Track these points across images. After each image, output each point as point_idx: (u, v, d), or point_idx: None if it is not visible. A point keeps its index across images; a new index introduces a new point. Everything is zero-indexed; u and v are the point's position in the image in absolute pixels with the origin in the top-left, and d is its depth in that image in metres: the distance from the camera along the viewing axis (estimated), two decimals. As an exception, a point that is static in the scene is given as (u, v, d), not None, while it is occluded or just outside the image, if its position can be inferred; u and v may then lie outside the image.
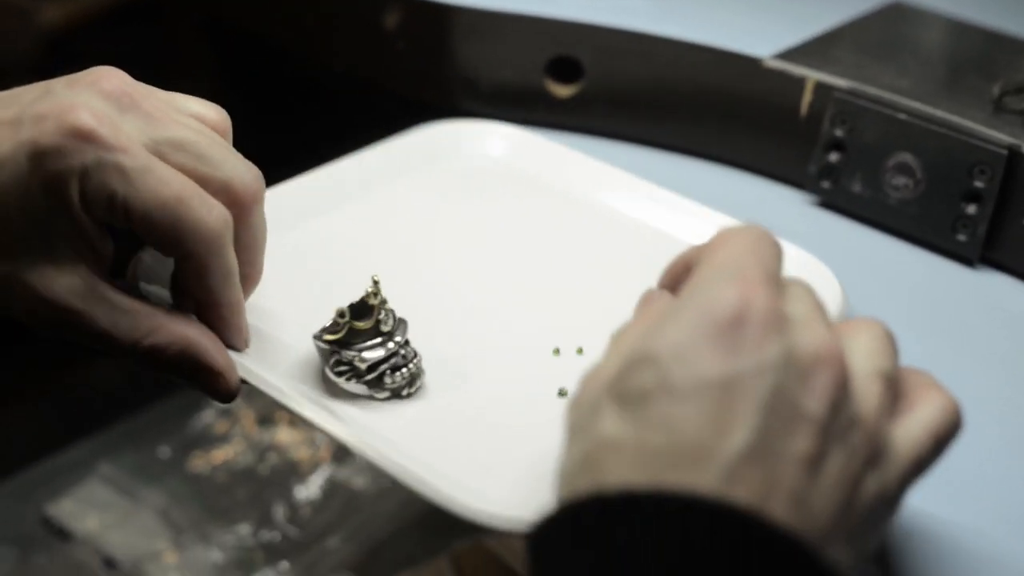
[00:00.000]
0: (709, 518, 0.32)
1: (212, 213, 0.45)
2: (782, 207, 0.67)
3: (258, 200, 0.48)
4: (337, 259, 0.57)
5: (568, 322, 0.54)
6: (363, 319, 0.48)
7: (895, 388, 0.38)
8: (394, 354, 0.48)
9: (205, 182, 0.46)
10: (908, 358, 0.55)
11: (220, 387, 0.47)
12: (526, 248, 0.59)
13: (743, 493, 0.33)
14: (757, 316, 0.35)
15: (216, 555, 0.77)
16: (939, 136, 0.61)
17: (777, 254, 0.39)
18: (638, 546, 0.32)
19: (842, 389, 0.35)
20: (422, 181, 0.63)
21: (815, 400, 0.34)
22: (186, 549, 0.77)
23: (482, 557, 0.74)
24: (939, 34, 0.74)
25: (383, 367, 0.47)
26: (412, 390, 0.48)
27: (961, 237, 0.62)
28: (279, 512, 0.80)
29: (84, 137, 0.43)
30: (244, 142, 0.50)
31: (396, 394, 0.48)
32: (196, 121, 0.47)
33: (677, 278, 0.41)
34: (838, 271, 0.61)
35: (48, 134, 0.43)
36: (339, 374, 0.47)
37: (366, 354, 0.47)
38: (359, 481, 0.82)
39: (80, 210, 0.44)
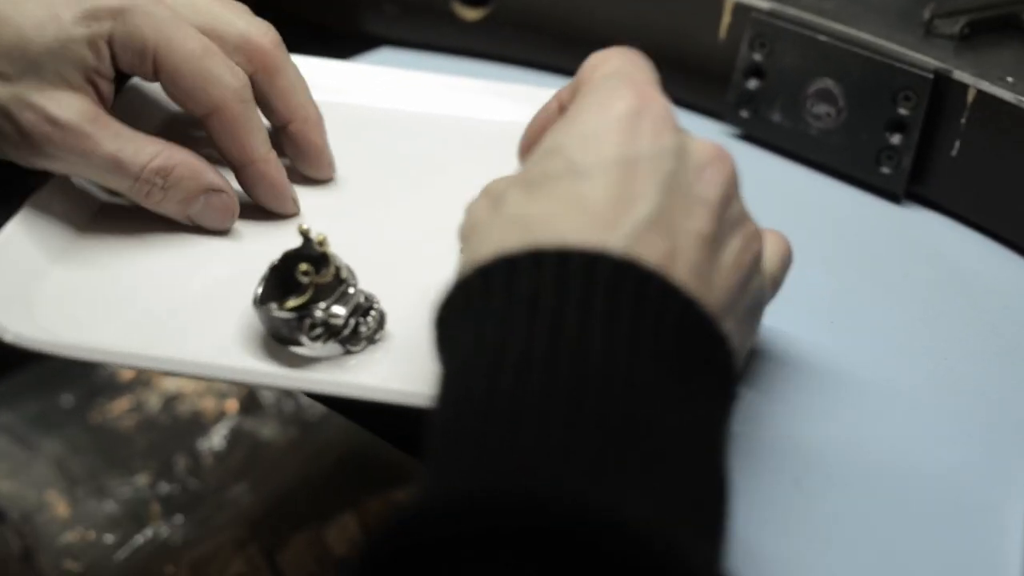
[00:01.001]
0: (614, 270, 0.33)
1: (233, 71, 0.48)
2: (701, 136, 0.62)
3: (279, 47, 0.50)
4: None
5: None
6: (320, 272, 0.43)
7: None
8: (360, 299, 0.43)
9: (223, 39, 0.49)
10: (828, 296, 0.52)
11: (227, 204, 0.49)
12: (396, 176, 0.55)
13: (649, 255, 0.34)
14: (655, 111, 0.37)
15: (111, 507, 0.73)
16: (862, 60, 0.57)
17: (654, 71, 0.40)
18: (542, 295, 0.32)
19: (732, 186, 0.38)
20: None
21: (709, 187, 0.36)
22: (80, 501, 0.74)
23: (390, 512, 0.70)
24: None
25: (356, 317, 0.43)
26: (383, 331, 0.44)
27: (885, 170, 0.58)
28: (180, 463, 0.77)
29: None
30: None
31: (371, 340, 0.44)
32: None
33: (551, 117, 0.42)
34: (757, 207, 0.58)
35: None
36: (315, 338, 0.42)
37: (336, 308, 0.43)
38: (266, 432, 0.78)
39: (106, 48, 0.46)
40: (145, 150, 0.47)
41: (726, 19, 0.61)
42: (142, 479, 0.75)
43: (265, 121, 0.51)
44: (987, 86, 0.54)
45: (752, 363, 0.47)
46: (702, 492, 0.32)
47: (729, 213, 0.37)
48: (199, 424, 0.79)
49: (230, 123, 0.48)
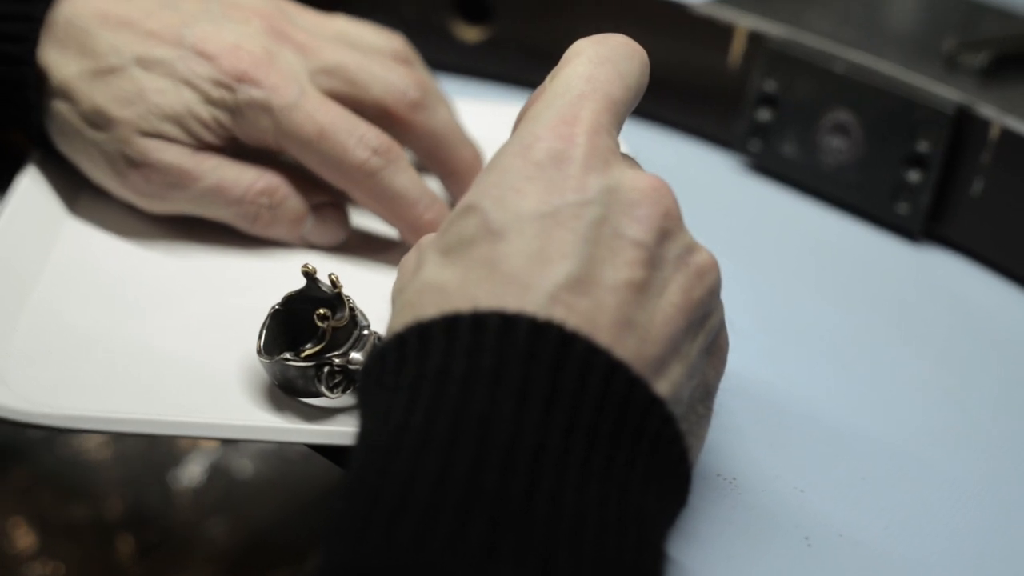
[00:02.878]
0: (529, 335, 0.31)
1: (360, 144, 0.46)
2: (708, 169, 0.60)
3: (419, 107, 0.48)
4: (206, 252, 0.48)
5: None
6: (335, 315, 0.39)
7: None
8: (375, 341, 0.40)
9: (360, 104, 0.48)
10: (840, 339, 0.49)
11: (339, 217, 0.49)
12: None
13: (570, 317, 0.31)
14: (580, 152, 0.34)
15: (79, 540, 0.70)
16: (880, 92, 0.54)
17: (633, 70, 0.37)
18: (452, 367, 0.31)
19: (669, 219, 0.34)
20: None
21: (641, 227, 0.33)
22: (47, 532, 0.70)
23: None
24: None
25: None
26: None
27: (902, 207, 0.55)
28: (153, 496, 0.73)
29: (240, 79, 0.46)
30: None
31: None
32: (346, 42, 0.49)
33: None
34: (767, 244, 0.55)
35: (207, 76, 0.46)
36: (334, 388, 0.39)
37: (354, 355, 0.39)
38: (244, 467, 0.75)
39: (221, 130, 0.46)
40: (247, 173, 0.47)
41: (738, 46, 0.58)
42: (113, 512, 0.72)
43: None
44: (1012, 122, 0.52)
45: (757, 406, 0.44)
46: None
47: (666, 250, 0.34)
48: (174, 456, 0.75)
49: (364, 197, 0.47)
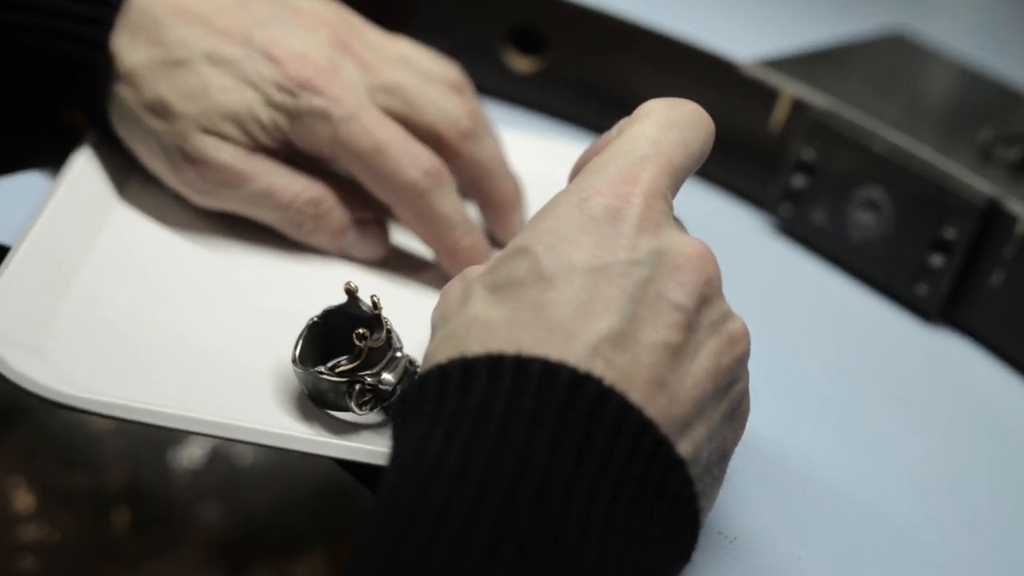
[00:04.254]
0: (570, 386, 0.32)
1: (413, 163, 0.47)
2: (738, 227, 0.61)
3: (469, 137, 0.50)
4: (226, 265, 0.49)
5: None
6: (373, 335, 0.40)
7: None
8: (407, 364, 0.41)
9: (414, 126, 0.49)
10: (847, 410, 0.50)
11: (379, 234, 0.50)
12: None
13: (608, 371, 0.33)
14: (635, 212, 0.35)
15: (74, 506, 0.71)
16: (913, 175, 0.55)
17: (699, 139, 0.38)
18: (493, 406, 0.32)
19: (710, 286, 0.36)
20: None
21: (683, 292, 0.35)
22: (44, 496, 0.71)
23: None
24: (937, 72, 0.69)
25: (403, 383, 0.41)
26: None
27: (922, 288, 0.56)
28: (152, 473, 0.74)
29: (304, 85, 0.47)
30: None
31: None
32: (406, 64, 0.51)
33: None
34: (787, 306, 0.56)
35: (271, 79, 0.47)
36: (362, 405, 0.40)
37: (386, 375, 0.40)
38: (244, 456, 0.76)
39: (280, 134, 0.47)
40: (297, 182, 0.48)
41: (781, 111, 0.60)
42: (112, 484, 0.73)
43: None
44: (1039, 221, 0.53)
45: (763, 470, 0.45)
46: None
47: (705, 316, 0.35)
48: (176, 436, 0.76)
49: (408, 214, 0.48)
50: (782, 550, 0.42)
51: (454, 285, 0.38)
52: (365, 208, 0.50)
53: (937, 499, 0.47)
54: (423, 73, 0.51)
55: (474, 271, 0.37)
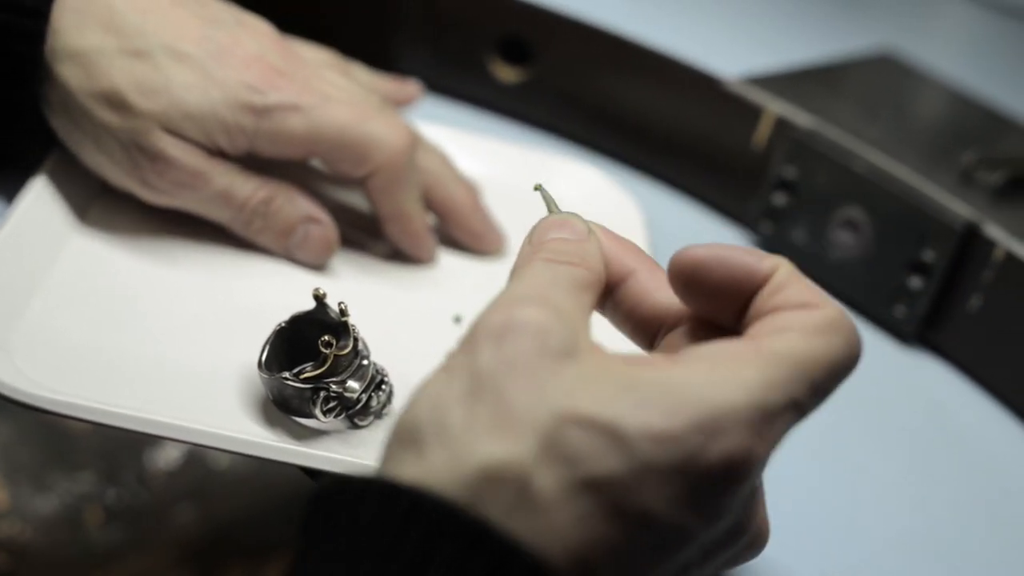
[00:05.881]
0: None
1: (397, 130, 0.48)
2: (717, 241, 0.61)
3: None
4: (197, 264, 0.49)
5: (456, 289, 0.51)
6: (339, 343, 0.40)
7: None
8: (373, 372, 0.41)
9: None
10: (817, 430, 0.50)
11: (326, 236, 0.49)
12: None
13: None
14: (739, 482, 0.30)
15: (51, 504, 0.71)
16: (893, 197, 0.55)
17: (833, 385, 0.33)
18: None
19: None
20: None
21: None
22: (20, 492, 0.71)
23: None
24: (923, 94, 0.69)
25: (369, 391, 0.41)
26: (390, 406, 0.42)
27: (900, 310, 0.56)
28: (128, 473, 0.74)
29: (271, 84, 0.47)
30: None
31: (378, 415, 0.41)
32: (345, 75, 0.51)
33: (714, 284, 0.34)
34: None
35: (237, 80, 0.46)
36: (327, 412, 0.40)
37: (351, 383, 0.40)
38: (220, 458, 0.75)
39: (243, 139, 0.47)
40: (251, 182, 0.48)
41: (765, 128, 0.60)
42: (86, 481, 0.73)
43: None
44: (1018, 247, 0.53)
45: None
46: None
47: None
48: (151, 438, 0.76)
49: (390, 184, 0.49)
50: (753, 570, 0.41)
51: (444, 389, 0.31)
52: (314, 210, 0.49)
53: (898, 520, 0.47)
54: (361, 86, 0.51)
55: (540, 393, 0.30)
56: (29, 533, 0.70)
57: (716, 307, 0.34)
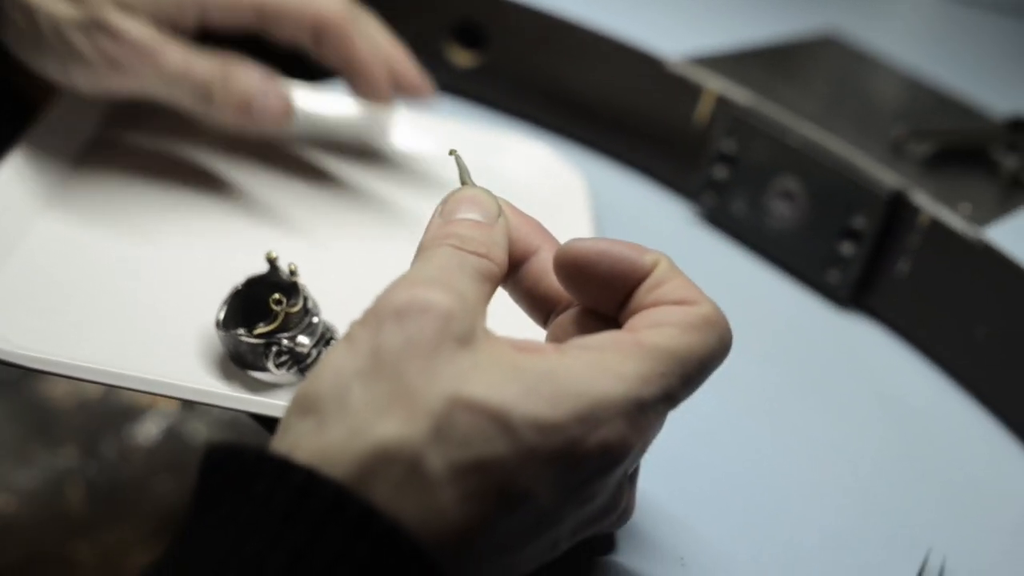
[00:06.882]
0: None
1: None
2: (663, 215, 0.64)
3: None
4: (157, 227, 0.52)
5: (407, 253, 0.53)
6: (290, 301, 0.43)
7: None
8: (322, 329, 0.44)
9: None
10: (756, 393, 0.53)
11: (284, 100, 0.51)
12: (352, 204, 0.57)
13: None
14: (613, 468, 0.33)
15: (32, 476, 0.73)
16: (825, 168, 0.58)
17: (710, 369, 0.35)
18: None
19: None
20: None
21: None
22: (1, 465, 0.74)
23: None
24: (862, 72, 0.72)
25: (319, 347, 0.44)
26: None
27: (833, 275, 0.59)
28: (109, 447, 0.77)
29: None
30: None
31: None
32: None
33: (599, 273, 0.36)
34: (707, 290, 0.59)
35: None
36: (279, 366, 0.43)
37: (301, 338, 0.43)
38: (198, 432, 0.78)
39: (194, 9, 0.50)
40: (206, 55, 0.50)
41: (706, 106, 0.63)
42: (68, 455, 0.76)
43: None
44: (941, 212, 0.56)
45: (668, 454, 0.48)
46: None
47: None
48: (132, 413, 0.79)
49: (344, 37, 0.53)
50: (678, 532, 0.44)
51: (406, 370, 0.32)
52: (267, 76, 0.52)
53: (840, 479, 0.49)
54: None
55: (440, 376, 0.32)
56: (14, 506, 0.73)
57: (599, 298, 0.36)
